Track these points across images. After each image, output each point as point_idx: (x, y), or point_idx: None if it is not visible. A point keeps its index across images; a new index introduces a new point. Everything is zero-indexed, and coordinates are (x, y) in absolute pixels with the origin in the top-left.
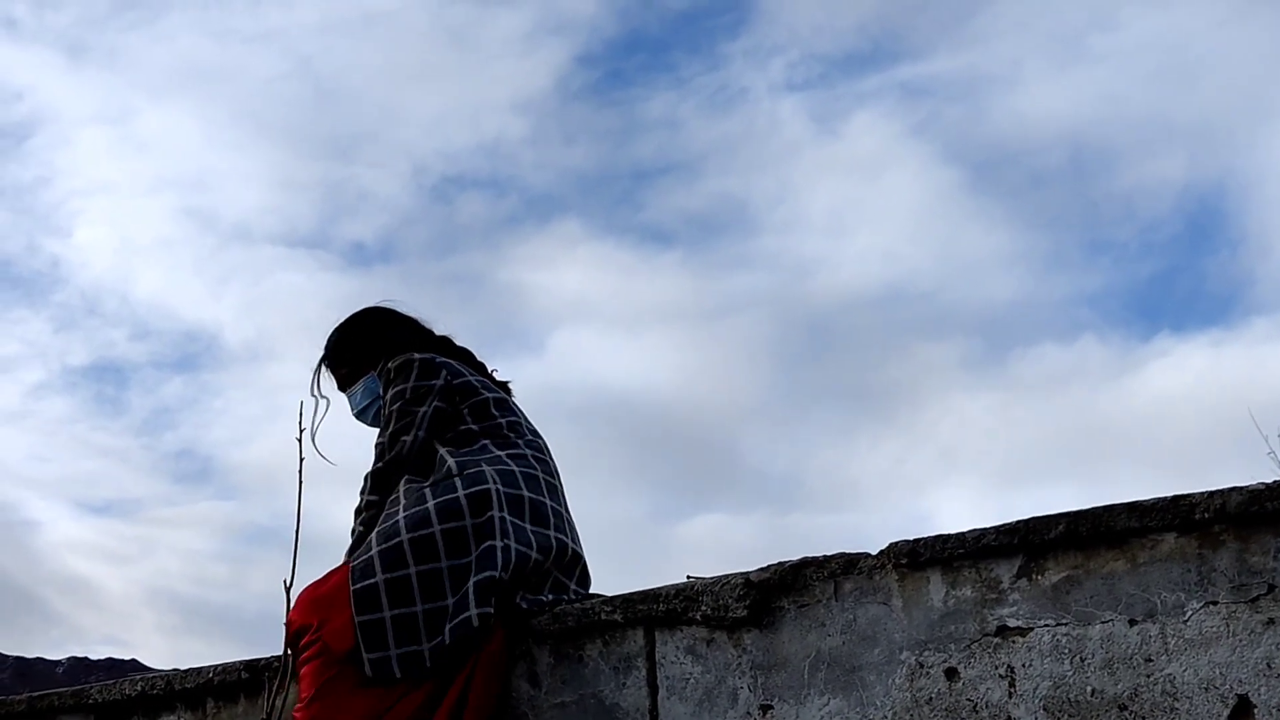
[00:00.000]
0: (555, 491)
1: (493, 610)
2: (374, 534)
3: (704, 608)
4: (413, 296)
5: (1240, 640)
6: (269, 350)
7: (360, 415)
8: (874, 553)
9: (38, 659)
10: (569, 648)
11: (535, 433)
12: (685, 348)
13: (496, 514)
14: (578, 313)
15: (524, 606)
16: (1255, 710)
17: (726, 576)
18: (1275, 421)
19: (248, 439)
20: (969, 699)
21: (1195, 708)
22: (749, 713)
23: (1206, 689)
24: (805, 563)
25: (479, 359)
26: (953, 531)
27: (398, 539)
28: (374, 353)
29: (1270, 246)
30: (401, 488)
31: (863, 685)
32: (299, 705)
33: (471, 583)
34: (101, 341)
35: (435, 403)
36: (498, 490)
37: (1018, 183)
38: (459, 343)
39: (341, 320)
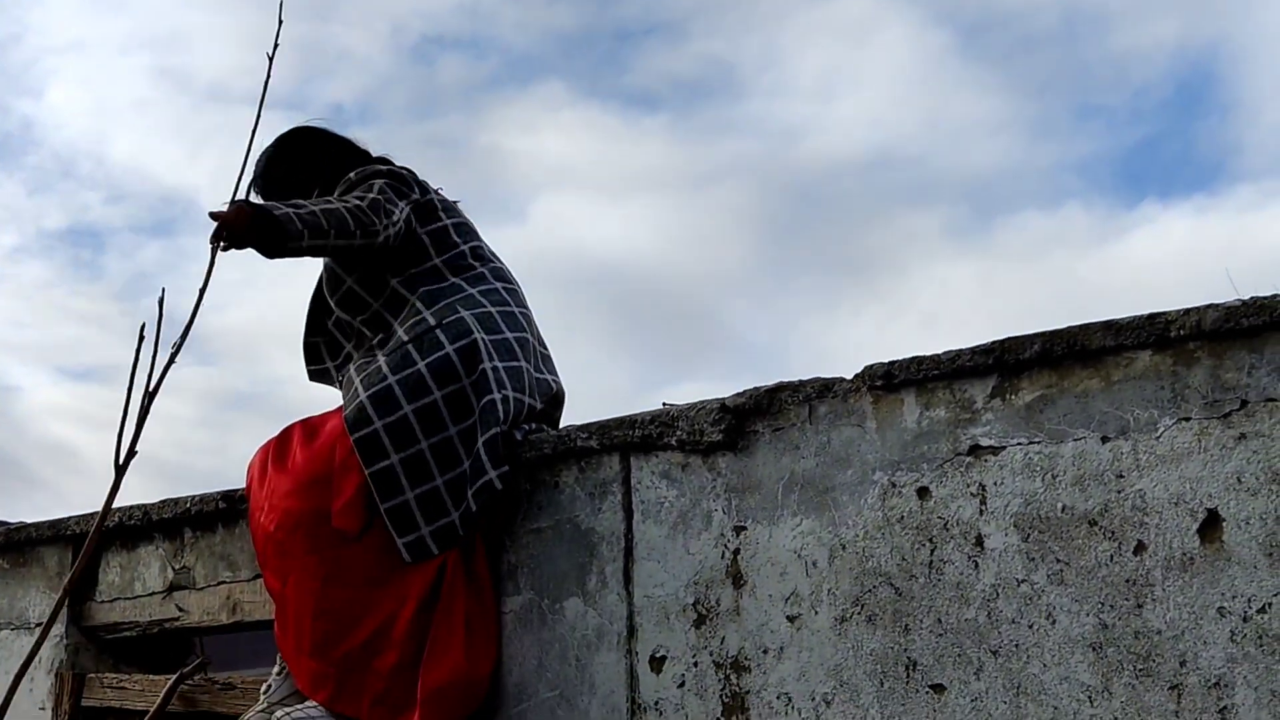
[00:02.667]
0: (530, 321)
1: (508, 468)
2: (366, 397)
3: (679, 433)
4: (393, 159)
5: (1211, 455)
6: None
7: None
8: (849, 376)
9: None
10: (545, 474)
11: (495, 255)
12: (670, 215)
13: (488, 365)
14: (561, 179)
15: (517, 438)
16: (1224, 524)
17: (702, 402)
18: (1253, 286)
19: (226, 305)
20: (940, 517)
21: (1164, 522)
22: (723, 534)
23: (1176, 503)
24: (780, 387)
25: (421, 178)
26: (928, 353)
27: (401, 412)
28: (309, 178)
29: (1259, 112)
30: (379, 351)
31: (835, 505)
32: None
33: (481, 443)
34: (77, 205)
35: (410, 210)
36: (483, 340)
37: (1009, 46)
38: (399, 164)
39: (270, 144)
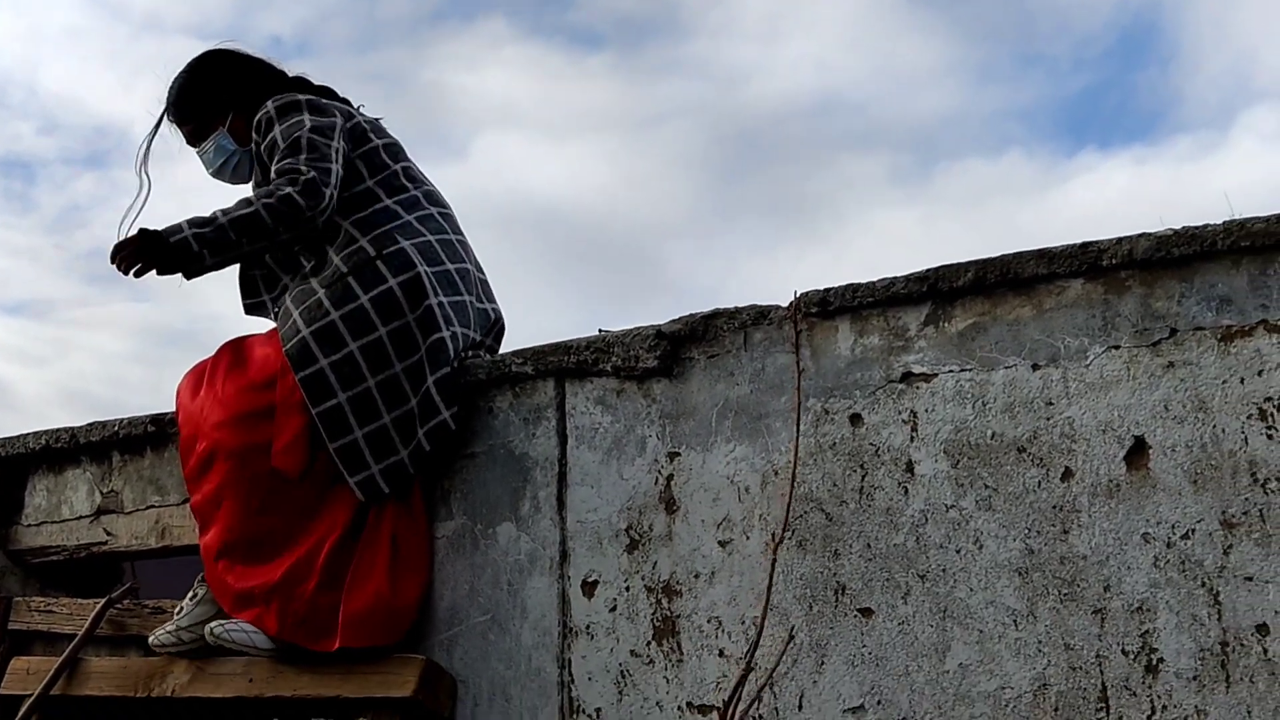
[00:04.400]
0: (467, 249)
1: (458, 407)
2: (309, 333)
3: (615, 359)
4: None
5: (1140, 383)
6: (181, 149)
7: (218, 173)
8: (784, 304)
9: None
10: (479, 400)
11: (425, 177)
12: (613, 157)
13: (433, 300)
14: (503, 117)
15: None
16: (1150, 450)
17: (638, 328)
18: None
19: None
20: (871, 443)
21: (1092, 449)
22: (656, 459)
23: (1104, 431)
24: (716, 314)
25: (342, 95)
26: (863, 281)
27: (346, 349)
28: (222, 102)
29: (1200, 64)
30: (314, 280)
31: (768, 432)
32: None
33: (431, 381)
34: (8, 135)
35: (342, 142)
36: (426, 273)
37: None
38: (315, 81)
39: (182, 70)
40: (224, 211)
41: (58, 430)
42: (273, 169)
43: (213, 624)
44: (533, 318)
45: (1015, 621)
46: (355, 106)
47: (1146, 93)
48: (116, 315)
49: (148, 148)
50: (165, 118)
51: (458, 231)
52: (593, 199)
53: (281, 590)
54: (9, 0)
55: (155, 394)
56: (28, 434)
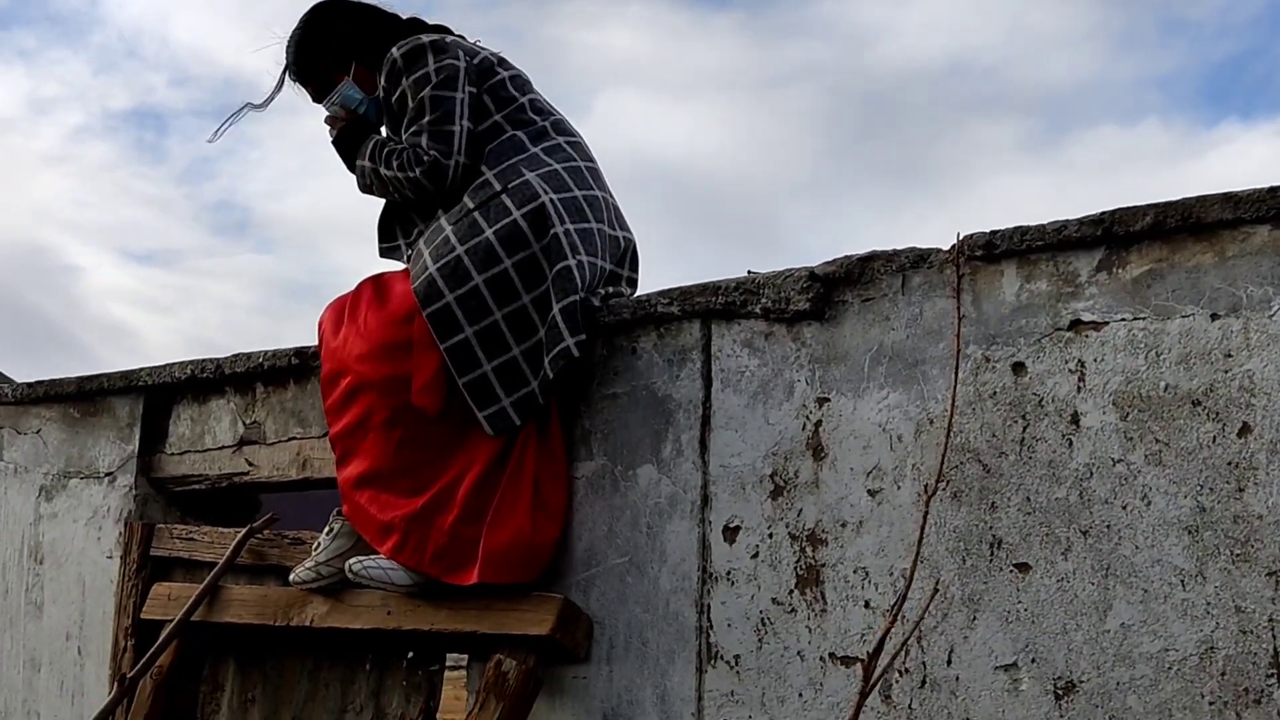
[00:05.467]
0: (597, 176)
1: (585, 335)
2: (435, 269)
3: (764, 300)
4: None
5: None
6: (308, 103)
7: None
8: (945, 248)
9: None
10: (622, 339)
11: (553, 108)
12: (736, 117)
13: (559, 229)
14: (626, 76)
15: (594, 304)
16: None
17: (790, 270)
18: None
19: (285, 193)
20: (1035, 393)
21: (1273, 403)
22: (805, 405)
23: None
24: (873, 256)
25: (457, 32)
26: (1032, 224)
27: (472, 283)
28: (343, 54)
29: None
30: (444, 218)
31: (924, 379)
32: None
33: (557, 309)
34: (141, 86)
35: (469, 87)
36: (551, 201)
37: None
38: (430, 21)
39: (296, 27)
40: (383, 157)
41: (203, 361)
42: (404, 132)
43: (352, 560)
44: (651, 274)
45: (1183, 582)
46: (474, 41)
47: None
48: (242, 266)
49: (270, 100)
50: (287, 77)
51: (588, 159)
52: (713, 160)
53: (421, 521)
54: None
55: (276, 344)
56: (173, 363)
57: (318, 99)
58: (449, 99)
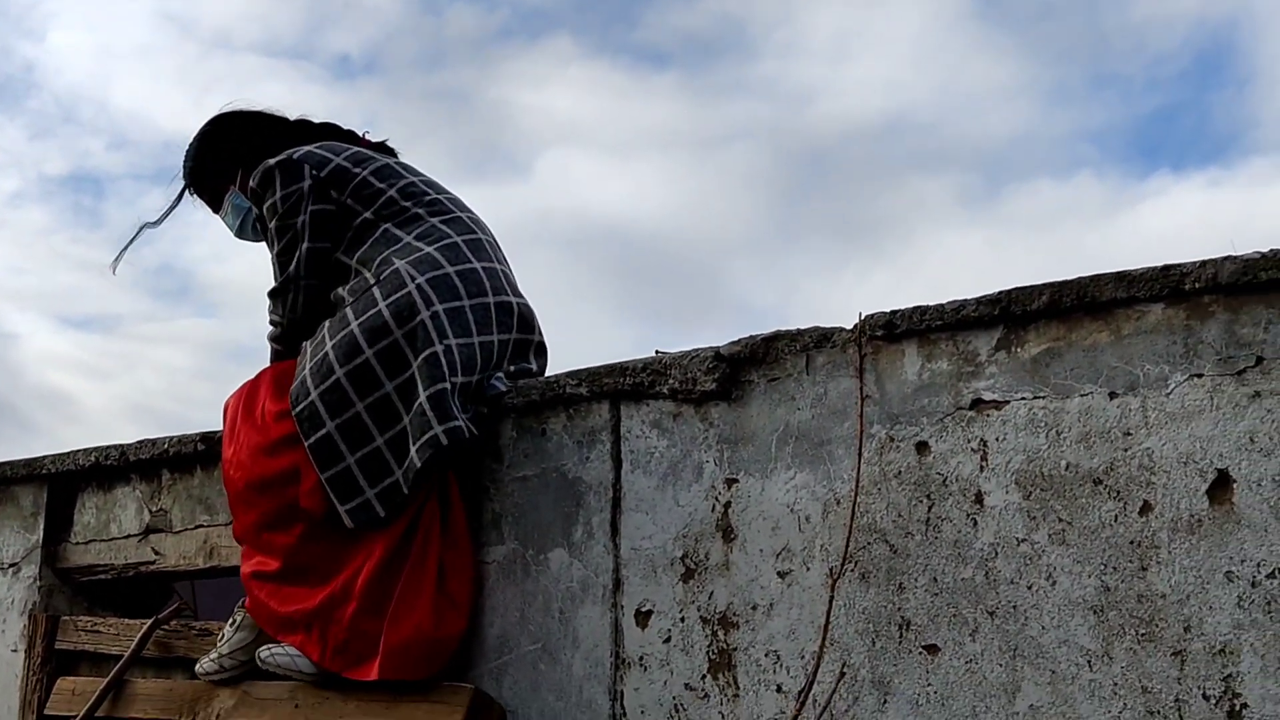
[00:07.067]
0: (479, 249)
1: (460, 423)
2: (309, 368)
3: (672, 381)
4: (399, 111)
5: (1223, 414)
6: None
7: (240, 234)
8: (848, 327)
9: None
10: (532, 421)
11: (433, 185)
12: (677, 176)
13: (425, 314)
14: (568, 135)
15: (500, 388)
16: (1234, 484)
17: (696, 350)
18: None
19: (226, 256)
20: (939, 473)
21: (1173, 482)
22: (714, 486)
23: (1185, 463)
24: (777, 336)
25: (346, 128)
26: (931, 303)
27: (334, 377)
28: (229, 167)
29: (1277, 85)
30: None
31: (830, 459)
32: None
33: (424, 396)
34: (79, 150)
35: (311, 207)
36: (419, 286)
37: (1028, 11)
38: (317, 120)
39: (193, 139)
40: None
41: (107, 448)
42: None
43: (261, 649)
44: (594, 335)
45: (1090, 662)
46: (363, 134)
47: (1221, 114)
48: (183, 330)
49: (169, 211)
50: (187, 192)
51: (469, 232)
52: (656, 218)
53: (321, 616)
54: (81, 18)
55: (218, 409)
56: (78, 451)
57: (214, 209)
58: (290, 226)
